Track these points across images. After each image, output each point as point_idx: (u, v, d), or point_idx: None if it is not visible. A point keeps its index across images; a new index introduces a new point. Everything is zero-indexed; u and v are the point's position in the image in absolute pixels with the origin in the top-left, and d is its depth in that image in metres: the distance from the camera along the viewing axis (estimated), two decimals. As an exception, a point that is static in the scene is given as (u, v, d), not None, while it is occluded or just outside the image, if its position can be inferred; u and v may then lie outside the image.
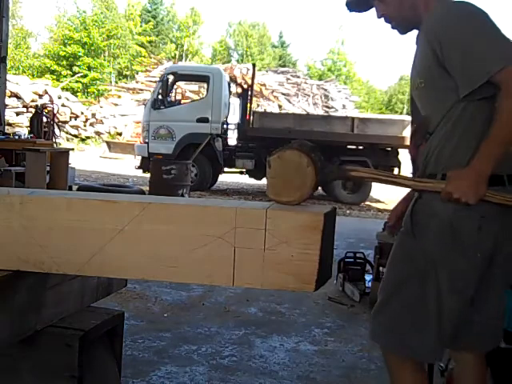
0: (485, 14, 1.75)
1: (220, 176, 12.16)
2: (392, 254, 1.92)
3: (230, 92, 12.31)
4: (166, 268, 1.31)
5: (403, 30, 1.92)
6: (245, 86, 13.16)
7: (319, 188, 1.71)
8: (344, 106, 24.99)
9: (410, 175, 2.19)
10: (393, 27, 1.91)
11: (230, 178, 13.46)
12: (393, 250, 1.92)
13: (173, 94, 12.45)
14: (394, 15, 1.87)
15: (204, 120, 11.35)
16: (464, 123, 1.75)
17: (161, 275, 1.35)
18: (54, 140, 11.00)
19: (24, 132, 11.18)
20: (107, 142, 19.75)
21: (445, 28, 1.75)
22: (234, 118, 12.69)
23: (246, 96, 12.13)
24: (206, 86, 12.30)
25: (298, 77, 26.80)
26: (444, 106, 1.77)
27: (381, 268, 4.34)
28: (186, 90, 19.17)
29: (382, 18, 1.89)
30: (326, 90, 25.52)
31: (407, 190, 2.02)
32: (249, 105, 11.96)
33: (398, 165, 11.41)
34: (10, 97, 17.46)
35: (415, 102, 1.95)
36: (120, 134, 20.84)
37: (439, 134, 1.79)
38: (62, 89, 23.38)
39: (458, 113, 1.75)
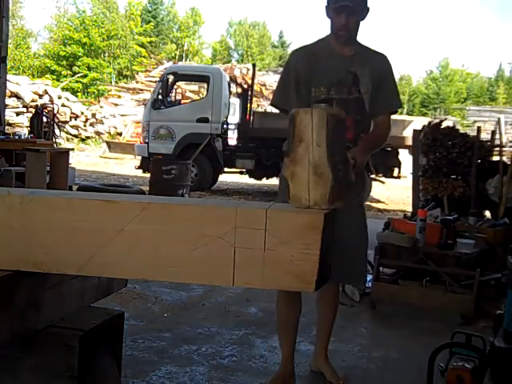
0: None
1: (220, 176, 12.15)
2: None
3: (230, 92, 12.29)
4: (166, 268, 1.30)
5: (344, 41, 2.60)
6: (245, 86, 13.15)
7: None
8: (344, 106, 24.91)
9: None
10: (342, 36, 2.57)
11: (229, 177, 13.47)
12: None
13: (173, 94, 12.44)
14: (352, 28, 2.57)
15: (204, 120, 11.35)
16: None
17: (161, 275, 1.35)
18: (54, 140, 10.99)
19: (24, 132, 11.17)
20: (107, 142, 19.74)
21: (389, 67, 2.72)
22: (234, 118, 12.68)
23: (246, 96, 12.13)
24: (206, 86, 12.29)
25: (298, 77, 26.74)
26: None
27: (381, 268, 4.34)
28: (186, 90, 19.16)
29: (344, 24, 2.53)
30: (326, 90, 25.44)
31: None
32: (249, 105, 11.96)
33: (398, 165, 11.40)
34: (10, 97, 17.44)
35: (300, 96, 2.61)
36: (120, 134, 20.83)
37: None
38: (62, 89, 23.34)
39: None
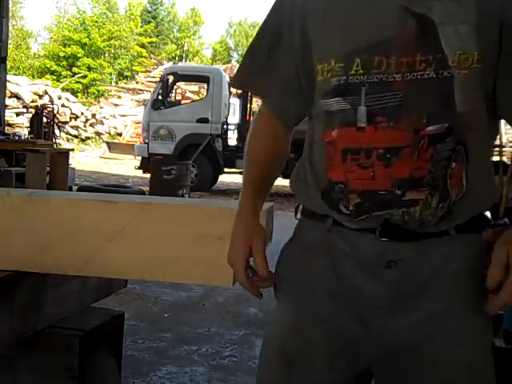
0: None
1: (220, 176, 12.15)
2: None
3: (230, 92, 12.29)
4: (166, 268, 1.31)
5: None
6: (245, 87, 13.14)
7: None
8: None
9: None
10: None
11: (230, 178, 13.46)
12: None
13: (173, 95, 12.44)
14: None
15: (204, 120, 11.34)
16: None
17: (161, 275, 1.35)
18: (53, 140, 10.99)
19: (24, 132, 11.18)
20: (107, 143, 19.73)
21: None
22: (234, 118, 12.68)
23: (246, 96, 12.12)
24: (206, 86, 12.30)
25: (298, 77, 26.77)
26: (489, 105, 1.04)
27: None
28: (186, 90, 19.15)
29: None
30: (326, 90, 25.46)
31: None
32: (249, 105, 11.96)
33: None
34: (10, 97, 17.44)
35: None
36: (120, 135, 20.82)
37: (479, 150, 1.06)
38: (62, 89, 23.33)
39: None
